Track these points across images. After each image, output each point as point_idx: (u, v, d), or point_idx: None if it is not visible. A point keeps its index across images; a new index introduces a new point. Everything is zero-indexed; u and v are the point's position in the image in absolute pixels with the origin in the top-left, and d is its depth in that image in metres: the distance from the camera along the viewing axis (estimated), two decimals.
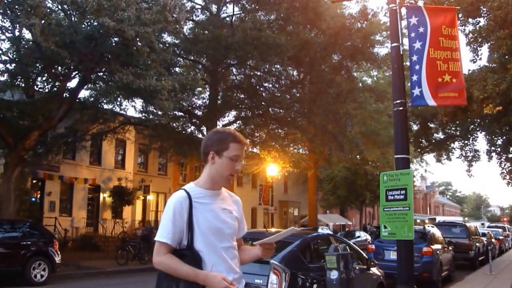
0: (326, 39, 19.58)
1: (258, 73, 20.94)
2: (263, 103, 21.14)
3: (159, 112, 15.27)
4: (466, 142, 20.48)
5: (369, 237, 25.03)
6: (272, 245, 2.43)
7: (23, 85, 15.63)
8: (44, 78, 15.84)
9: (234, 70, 21.90)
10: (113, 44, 13.57)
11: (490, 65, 13.78)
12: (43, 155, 17.77)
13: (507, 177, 20.46)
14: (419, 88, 6.16)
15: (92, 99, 16.06)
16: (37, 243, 11.97)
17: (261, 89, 21.85)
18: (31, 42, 12.88)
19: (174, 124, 19.22)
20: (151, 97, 13.40)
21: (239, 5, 19.84)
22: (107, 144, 23.11)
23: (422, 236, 11.53)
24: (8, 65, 14.06)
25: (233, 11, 19.85)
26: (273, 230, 8.38)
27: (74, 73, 15.28)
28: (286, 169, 25.73)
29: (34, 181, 21.18)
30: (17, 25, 12.72)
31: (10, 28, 13.06)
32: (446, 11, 6.76)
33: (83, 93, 16.41)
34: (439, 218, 46.33)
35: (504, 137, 18.82)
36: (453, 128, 19.91)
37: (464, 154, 20.47)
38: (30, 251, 11.64)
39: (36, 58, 13.30)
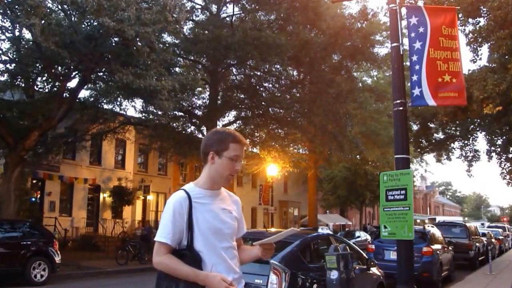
0: (326, 39, 19.58)
1: (258, 73, 20.94)
2: (263, 103, 21.14)
3: (159, 112, 15.27)
4: (466, 142, 20.48)
5: (369, 237, 25.03)
6: (272, 246, 2.43)
7: (23, 85, 15.63)
8: (44, 78, 15.84)
9: (234, 70, 21.90)
10: (113, 44, 13.57)
11: (490, 65, 13.78)
12: (43, 155, 17.77)
13: (507, 177, 20.46)
14: (419, 88, 6.16)
15: (92, 99, 16.07)
16: (37, 243, 11.96)
17: (261, 89, 21.85)
18: (31, 42, 12.87)
19: (174, 124, 19.22)
20: (151, 97, 13.40)
21: (239, 5, 19.84)
22: (107, 144, 23.11)
23: (422, 236, 11.52)
24: (8, 65, 14.06)
25: (233, 11, 19.86)
26: (273, 230, 8.38)
27: (74, 73, 15.28)
28: (286, 169, 25.74)
29: (34, 181, 21.18)
30: (17, 25, 12.72)
31: (10, 28, 13.06)
32: (446, 11, 6.76)
33: (83, 93, 16.46)
34: (439, 218, 46.33)
35: (504, 137, 18.81)
36: (453, 128, 19.90)
37: (464, 154, 20.47)
38: (30, 251, 11.64)
39: (36, 58, 13.30)
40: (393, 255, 9.65)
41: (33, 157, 16.85)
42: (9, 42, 13.13)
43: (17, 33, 13.31)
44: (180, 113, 20.44)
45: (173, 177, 29.24)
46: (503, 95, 11.83)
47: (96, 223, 23.60)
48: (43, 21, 11.61)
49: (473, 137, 20.25)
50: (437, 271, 11.20)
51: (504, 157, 20.16)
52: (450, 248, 13.24)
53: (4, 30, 12.99)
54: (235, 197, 2.51)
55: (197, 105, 21.81)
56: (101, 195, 24.30)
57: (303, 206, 38.27)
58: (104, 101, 15.21)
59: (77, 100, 15.86)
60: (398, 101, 6.33)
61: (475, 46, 12.65)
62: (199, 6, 20.51)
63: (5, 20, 12.75)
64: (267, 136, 22.34)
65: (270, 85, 21.90)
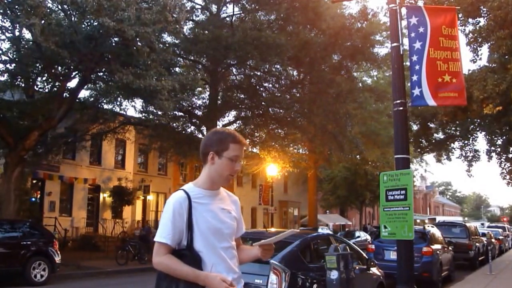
0: (326, 39, 19.59)
1: (258, 73, 20.95)
2: (263, 103, 21.15)
3: (159, 112, 15.28)
4: (466, 142, 20.46)
5: (369, 237, 25.03)
6: (272, 246, 2.43)
7: (23, 85, 15.63)
8: (44, 78, 15.84)
9: (234, 70, 21.91)
10: (113, 44, 13.58)
11: (490, 65, 13.77)
12: (43, 155, 17.78)
13: (507, 177, 20.44)
14: (419, 88, 6.16)
15: (92, 99, 16.07)
16: (37, 243, 11.96)
17: (261, 89, 21.86)
18: (31, 42, 12.88)
19: (174, 124, 19.22)
20: (151, 97, 13.40)
21: (239, 5, 19.84)
22: (107, 144, 23.11)
23: (422, 236, 11.52)
24: (8, 65, 14.07)
25: (233, 11, 19.87)
26: (272, 230, 8.38)
27: (74, 73, 15.29)
28: (286, 169, 25.75)
29: (34, 181, 21.18)
30: (17, 25, 12.73)
31: (10, 28, 13.07)
32: (446, 11, 6.76)
33: (83, 93, 16.46)
34: (439, 218, 46.32)
35: (504, 137, 18.80)
36: (453, 128, 19.88)
37: (464, 154, 20.45)
38: (30, 251, 11.64)
39: (36, 58, 13.30)
40: (393, 255, 9.66)
41: (33, 157, 16.84)
42: (9, 42, 13.14)
43: (17, 33, 13.32)
44: (180, 113, 20.44)
45: (173, 177, 29.24)
46: (503, 95, 11.82)
47: (96, 223, 23.60)
48: (43, 21, 11.61)
49: (473, 137, 20.24)
50: (437, 271, 11.20)
51: (504, 157, 20.14)
52: (450, 248, 13.24)
53: (4, 30, 12.99)
54: (234, 197, 2.51)
55: (197, 105, 21.83)
56: (101, 195, 24.29)
57: (303, 206, 38.27)
58: (104, 101, 15.22)
59: (77, 100, 15.86)
60: (398, 101, 6.33)
61: (475, 46, 12.65)
62: (199, 6, 20.52)
63: (5, 20, 12.76)
64: (267, 136, 22.34)
65: (270, 85, 21.91)
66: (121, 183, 24.62)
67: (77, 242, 20.70)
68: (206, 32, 17.85)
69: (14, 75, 14.50)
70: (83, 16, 12.72)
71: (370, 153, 28.01)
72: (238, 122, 22.45)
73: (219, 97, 21.28)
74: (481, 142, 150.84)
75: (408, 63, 6.49)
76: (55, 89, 15.80)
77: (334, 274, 5.65)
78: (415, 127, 19.75)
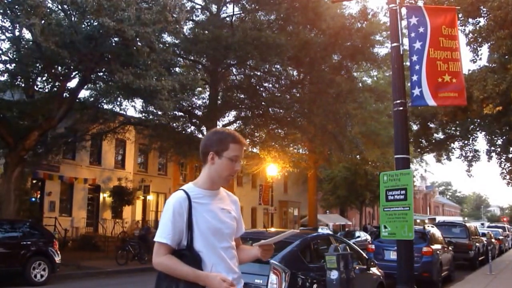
0: (326, 39, 19.59)
1: (258, 73, 20.96)
2: (263, 103, 21.15)
3: (159, 112, 15.28)
4: (466, 142, 20.46)
5: (369, 237, 25.03)
6: (271, 247, 2.43)
7: (23, 85, 15.63)
8: (44, 78, 15.85)
9: (234, 70, 21.91)
10: (113, 44, 13.58)
11: (490, 65, 13.77)
12: (43, 155, 17.77)
13: (507, 177, 20.43)
14: (419, 88, 6.16)
15: (92, 99, 16.07)
16: (37, 243, 11.96)
17: (261, 89, 21.86)
18: (31, 42, 12.88)
19: (174, 124, 19.23)
20: (151, 97, 13.40)
21: (239, 5, 19.84)
22: (107, 144, 23.11)
23: (422, 236, 11.52)
24: (8, 65, 14.07)
25: (233, 11, 19.87)
26: (273, 230, 8.38)
27: (74, 73, 15.29)
28: (286, 169, 25.74)
29: (34, 181, 21.18)
30: (17, 25, 12.72)
31: (10, 28, 13.07)
32: (446, 11, 6.76)
33: (83, 93, 16.46)
34: (439, 218, 46.32)
35: (504, 137, 18.79)
36: (453, 128, 19.88)
37: (464, 154, 20.45)
38: (30, 251, 11.64)
39: (36, 58, 13.30)
40: (393, 255, 9.66)
41: (33, 157, 16.84)
42: (9, 42, 13.14)
43: (17, 33, 13.32)
44: (180, 113, 20.45)
45: (173, 177, 29.24)
46: (503, 95, 11.82)
47: (96, 223, 23.60)
48: (43, 21, 11.61)
49: (473, 137, 20.24)
50: (437, 271, 11.20)
51: (504, 157, 20.14)
52: (450, 248, 13.24)
53: (4, 30, 12.99)
54: (234, 197, 2.51)
55: (197, 105, 21.84)
56: (101, 195, 24.30)
57: (303, 206, 38.28)
58: (104, 101, 15.21)
59: (77, 100, 15.86)
60: (398, 101, 6.33)
61: (475, 46, 12.65)
62: (199, 6, 20.53)
63: (5, 20, 12.76)
64: (267, 136, 22.34)
65: (270, 85, 21.92)
66: (121, 183, 24.62)
67: (77, 242, 20.70)
68: (206, 32, 17.85)
69: (14, 75, 14.50)
70: (83, 16, 12.72)
71: (370, 153, 28.01)
72: (238, 122, 22.45)
73: (219, 97, 21.29)
74: (481, 142, 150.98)
75: (408, 63, 6.49)
76: (55, 89, 15.80)
77: (334, 274, 5.65)
78: (415, 127, 19.75)
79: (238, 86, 21.55)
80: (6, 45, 13.53)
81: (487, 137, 19.92)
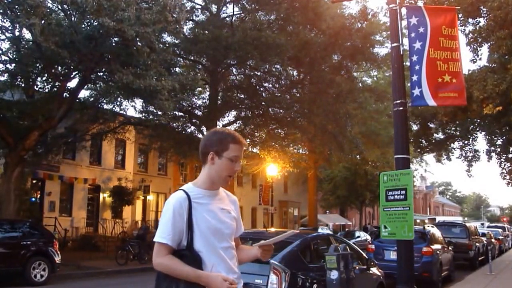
0: (326, 39, 19.59)
1: (258, 73, 20.96)
2: (263, 103, 21.15)
3: (159, 112, 15.28)
4: (466, 142, 20.46)
5: (369, 237, 25.04)
6: (271, 247, 2.43)
7: (23, 85, 15.62)
8: (44, 78, 15.84)
9: (234, 70, 21.92)
10: (113, 44, 13.58)
11: (490, 65, 13.77)
12: (43, 155, 17.77)
13: (507, 177, 20.43)
14: (419, 88, 6.16)
15: (92, 99, 16.07)
16: (37, 243, 11.96)
17: (261, 89, 21.87)
18: (31, 42, 12.87)
19: (174, 124, 19.24)
20: (151, 97, 13.40)
21: (239, 5, 19.85)
22: (107, 144, 23.11)
23: (422, 236, 11.52)
24: (8, 65, 14.06)
25: (233, 11, 19.88)
26: (273, 230, 8.38)
27: (74, 73, 15.29)
28: (286, 169, 25.75)
29: (34, 181, 21.18)
30: (17, 25, 12.72)
31: (10, 28, 13.06)
32: (446, 11, 6.76)
33: (83, 93, 16.46)
34: (439, 218, 46.33)
35: (504, 137, 18.80)
36: (453, 128, 19.88)
37: (464, 154, 20.45)
38: (30, 251, 11.64)
39: (36, 58, 13.30)
40: (393, 255, 9.66)
41: (33, 157, 16.84)
42: (9, 42, 13.14)
43: (17, 33, 13.31)
44: (180, 113, 20.46)
45: (173, 177, 29.25)
46: (503, 95, 11.82)
47: (96, 223, 23.60)
48: (43, 21, 11.62)
49: (473, 137, 20.24)
50: (437, 271, 11.20)
51: (504, 157, 20.14)
52: (450, 248, 13.24)
53: (4, 30, 12.99)
54: (233, 197, 2.51)
55: (197, 105, 21.85)
56: (101, 195, 24.29)
57: (303, 206, 38.28)
58: (104, 101, 15.21)
59: (77, 100, 15.87)
60: (398, 101, 6.32)
61: (475, 46, 12.65)
62: (199, 6, 20.53)
63: (5, 20, 12.76)
64: (267, 136, 22.35)
65: (270, 85, 21.92)
66: (121, 183, 24.62)
67: (77, 242, 20.70)
68: (206, 32, 17.85)
69: (14, 75, 14.50)
70: (83, 16, 12.72)
71: (370, 153, 28.02)
72: (238, 122, 22.45)
73: (219, 97, 21.29)
74: (481, 142, 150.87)
75: (408, 63, 6.49)
76: (55, 89, 15.80)
77: (334, 274, 5.65)
78: (415, 127, 19.75)
79: (238, 86, 21.56)
80: (6, 45, 13.55)
81: (487, 137, 19.93)
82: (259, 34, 16.85)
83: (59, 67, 14.82)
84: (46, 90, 16.29)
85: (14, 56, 13.60)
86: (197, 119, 21.55)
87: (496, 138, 19.89)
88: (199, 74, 18.86)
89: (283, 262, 5.35)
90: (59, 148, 19.15)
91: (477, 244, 17.50)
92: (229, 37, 16.94)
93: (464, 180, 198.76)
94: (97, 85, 15.23)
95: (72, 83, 15.95)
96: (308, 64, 20.31)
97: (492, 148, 20.09)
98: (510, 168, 20.32)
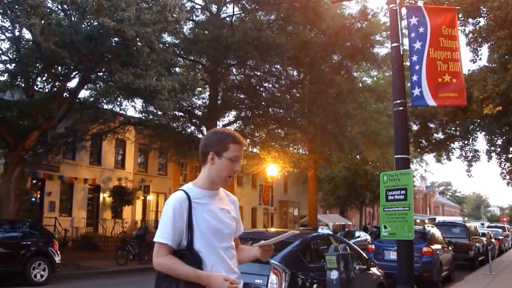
0: (326, 39, 19.59)
1: (258, 73, 20.96)
2: (263, 103, 21.15)
3: (159, 112, 15.28)
4: (466, 142, 20.46)
5: (369, 237, 25.04)
6: (271, 247, 2.43)
7: (23, 85, 15.62)
8: (44, 78, 15.84)
9: (234, 70, 21.92)
10: (113, 44, 13.58)
11: (490, 65, 13.77)
12: (43, 155, 17.77)
13: (507, 177, 20.44)
14: (419, 88, 6.16)
15: (92, 99, 16.07)
16: (37, 243, 11.96)
17: (261, 89, 21.87)
18: (31, 42, 12.87)
19: (174, 124, 19.24)
20: (151, 97, 13.40)
21: (239, 5, 19.85)
22: (107, 144, 23.11)
23: (422, 236, 11.52)
24: (8, 65, 14.06)
25: (233, 11, 19.88)
26: (272, 230, 8.38)
27: (74, 73, 15.29)
28: (286, 169, 25.75)
29: (34, 181, 21.18)
30: (17, 25, 12.72)
31: (10, 28, 13.06)
32: (446, 11, 6.76)
33: (83, 93, 16.46)
34: (439, 218, 46.34)
35: (504, 137, 18.80)
36: (453, 128, 19.88)
37: (464, 154, 20.45)
38: (30, 251, 11.64)
39: (36, 58, 13.30)
40: (393, 255, 9.66)
41: (33, 157, 16.84)
42: (9, 42, 13.14)
43: (17, 33, 13.31)
44: (180, 113, 20.46)
45: (173, 177, 29.24)
46: (503, 95, 11.82)
47: (96, 223, 23.60)
48: (43, 21, 11.62)
49: (473, 137, 20.24)
50: (437, 271, 11.20)
51: (504, 157, 20.14)
52: (450, 248, 13.24)
53: (4, 30, 13.00)
54: (233, 197, 2.51)
55: (197, 105, 21.85)
56: (101, 195, 24.30)
57: (303, 206, 38.27)
58: (104, 101, 15.21)
59: (77, 100, 15.87)
60: (398, 101, 6.33)
61: (475, 46, 12.65)
62: (199, 6, 20.53)
63: (5, 20, 12.76)
64: (267, 136, 22.35)
65: (270, 85, 21.93)
66: (121, 183, 24.62)
67: (77, 242, 20.70)
68: (206, 32, 17.85)
69: (14, 75, 14.50)
70: (83, 16, 12.72)
71: (370, 153, 28.02)
72: (238, 122, 22.45)
73: (219, 97, 21.29)
74: (481, 142, 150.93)
75: (408, 63, 6.49)
76: (55, 89, 15.80)
77: (334, 274, 5.65)
78: (415, 127, 19.76)
79: (238, 86, 21.56)
80: (6, 45, 13.55)
81: (487, 137, 19.93)
82: (259, 34, 16.85)
83: (59, 67, 14.82)
84: (46, 90, 16.29)
85: (14, 56, 13.60)
86: (197, 119, 21.56)
87: (496, 138, 19.90)
88: (199, 74, 18.87)
89: (283, 262, 5.35)
90: (59, 148, 19.15)
91: (477, 244, 17.50)
92: (229, 37, 16.94)
93: (464, 180, 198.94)
94: (97, 85, 15.23)
95: (72, 83, 15.99)
96: (308, 64, 20.31)
97: (492, 148, 20.10)
98: (510, 168, 20.32)
